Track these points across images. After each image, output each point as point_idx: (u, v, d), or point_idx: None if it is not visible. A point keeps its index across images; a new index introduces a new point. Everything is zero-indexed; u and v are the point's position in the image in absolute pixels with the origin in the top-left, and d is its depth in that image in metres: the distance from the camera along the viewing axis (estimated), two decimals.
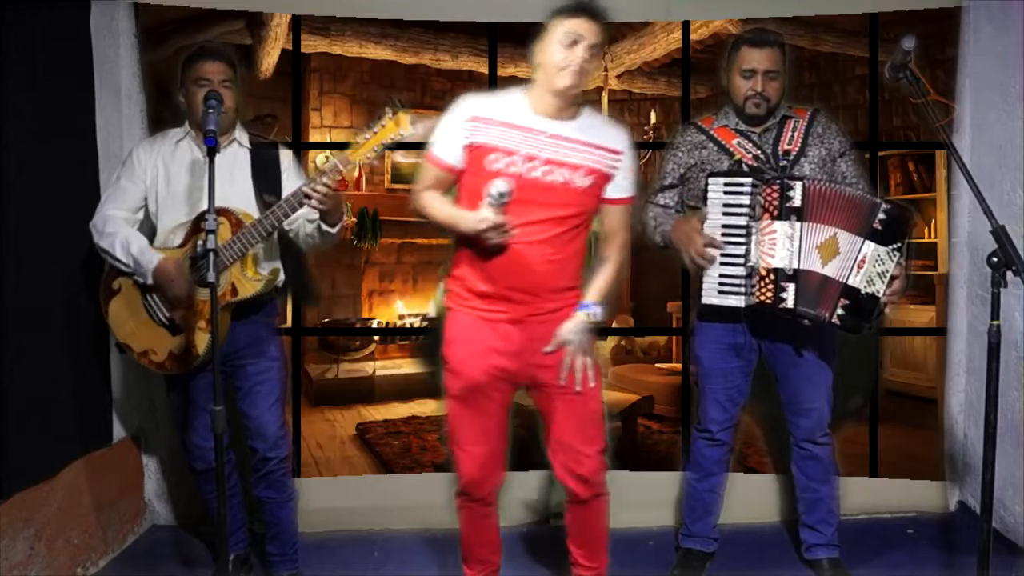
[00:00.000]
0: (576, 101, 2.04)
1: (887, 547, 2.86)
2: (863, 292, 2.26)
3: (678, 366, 3.14)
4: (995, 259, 1.76)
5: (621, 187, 2.10)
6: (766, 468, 3.11)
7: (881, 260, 2.26)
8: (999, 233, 1.76)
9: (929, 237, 3.29)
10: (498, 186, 1.89)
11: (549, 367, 2.07)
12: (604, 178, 2.07)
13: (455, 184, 2.11)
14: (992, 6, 2.85)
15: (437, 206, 2.09)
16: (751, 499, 3.05)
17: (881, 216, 2.25)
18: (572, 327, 2.04)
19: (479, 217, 1.93)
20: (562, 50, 1.94)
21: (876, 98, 3.10)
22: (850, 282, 2.27)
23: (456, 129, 2.04)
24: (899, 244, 2.26)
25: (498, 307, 2.05)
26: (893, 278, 2.26)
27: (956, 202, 3.04)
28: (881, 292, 2.26)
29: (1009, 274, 1.75)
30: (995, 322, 1.76)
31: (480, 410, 2.10)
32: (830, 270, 2.29)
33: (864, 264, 2.26)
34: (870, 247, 2.26)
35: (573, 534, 2.25)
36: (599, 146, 2.05)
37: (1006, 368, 2.10)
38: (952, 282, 3.07)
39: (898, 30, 2.78)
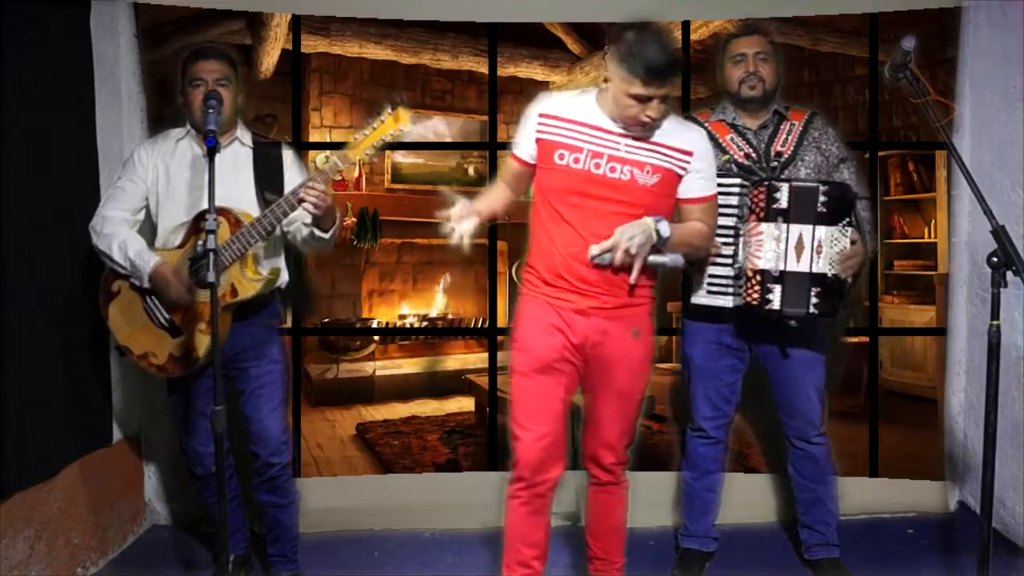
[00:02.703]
0: None
1: (887, 547, 2.86)
2: (829, 276, 2.29)
3: (678, 366, 3.14)
4: (995, 259, 1.76)
5: (694, 187, 2.12)
6: (766, 468, 3.11)
7: (836, 240, 2.29)
8: (999, 233, 1.76)
9: (929, 237, 3.28)
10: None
11: (606, 365, 2.13)
12: (673, 177, 2.09)
13: (531, 180, 2.18)
14: (992, 6, 2.85)
15: (484, 194, 2.24)
16: (751, 499, 3.05)
17: (822, 198, 2.28)
18: (633, 223, 2.01)
19: (456, 210, 2.06)
20: (632, 104, 1.99)
21: (876, 98, 3.10)
22: (815, 270, 2.29)
23: (529, 125, 2.13)
24: (848, 219, 2.29)
25: (565, 296, 2.09)
26: (852, 243, 2.29)
27: (956, 202, 3.04)
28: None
29: (1009, 274, 1.75)
30: (995, 322, 1.76)
31: (547, 388, 2.12)
32: (802, 265, 2.31)
33: (822, 249, 2.29)
34: (822, 231, 2.29)
35: (590, 522, 2.31)
36: (667, 146, 2.07)
37: (1006, 368, 2.10)
38: (952, 282, 3.07)
39: (898, 30, 2.78)
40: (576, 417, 2.33)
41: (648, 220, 2.02)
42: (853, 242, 2.30)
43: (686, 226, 2.13)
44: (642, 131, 2.05)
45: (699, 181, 2.12)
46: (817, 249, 2.28)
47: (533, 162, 2.15)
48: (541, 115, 2.11)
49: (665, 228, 2.03)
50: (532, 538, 2.19)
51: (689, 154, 2.09)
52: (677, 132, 2.11)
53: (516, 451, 2.14)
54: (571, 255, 2.06)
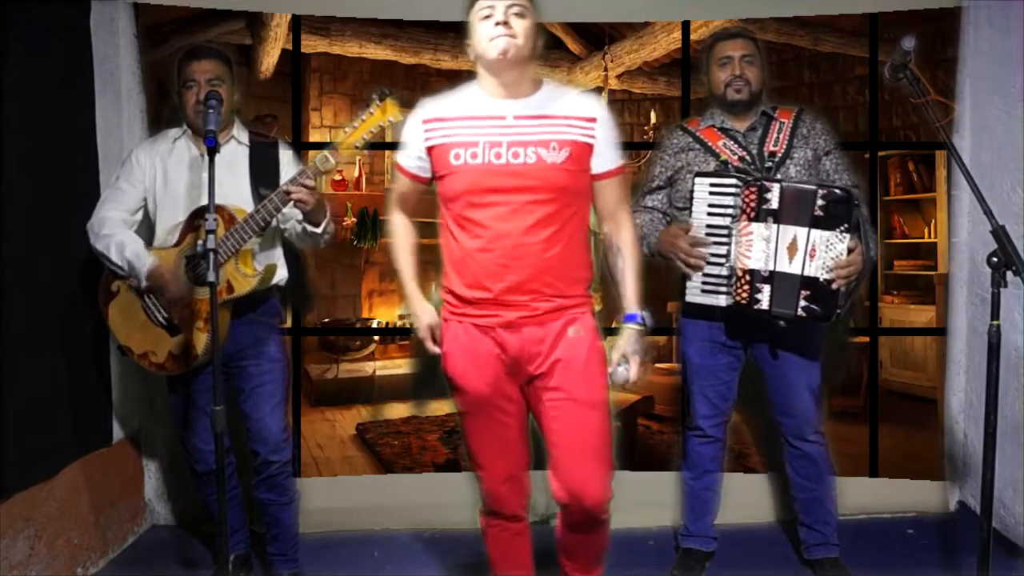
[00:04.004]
0: (529, 74, 1.93)
1: (887, 547, 2.86)
2: (822, 280, 2.27)
3: (678, 366, 3.14)
4: (995, 259, 1.76)
5: (605, 159, 1.95)
6: (765, 468, 3.11)
7: (832, 245, 2.26)
8: (999, 233, 1.76)
9: (929, 237, 3.28)
10: None
11: (548, 371, 1.92)
12: (582, 149, 1.91)
13: (424, 191, 2.05)
14: (992, 6, 2.85)
15: (403, 260, 2.10)
16: (751, 499, 3.05)
17: (820, 202, 2.26)
18: (631, 343, 1.92)
19: (422, 330, 2.03)
20: (482, 25, 1.84)
21: (876, 98, 3.10)
22: (806, 273, 2.27)
23: (414, 135, 1.97)
24: (846, 225, 2.25)
25: (490, 311, 1.91)
26: (850, 251, 2.26)
27: (956, 202, 3.04)
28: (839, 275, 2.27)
29: (1009, 274, 1.75)
30: (995, 322, 1.76)
31: (494, 422, 1.98)
32: (793, 267, 2.29)
33: (816, 253, 2.27)
34: (817, 234, 2.27)
35: (565, 550, 2.09)
36: (567, 116, 1.91)
37: (1006, 368, 2.10)
38: (952, 282, 3.07)
39: (898, 30, 2.78)
40: None
41: (631, 328, 1.94)
42: (851, 250, 2.26)
43: (627, 264, 2.00)
44: (500, 47, 1.82)
45: (608, 151, 1.95)
46: (810, 252, 2.27)
47: (424, 175, 1.99)
48: (425, 121, 1.94)
49: (644, 315, 1.96)
50: (517, 559, 2.13)
51: (592, 121, 1.91)
52: (575, 101, 1.94)
53: (482, 488, 2.06)
54: (490, 259, 1.87)
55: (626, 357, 1.93)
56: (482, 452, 2.02)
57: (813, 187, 2.29)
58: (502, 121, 1.90)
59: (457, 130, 1.91)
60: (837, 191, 2.28)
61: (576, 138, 1.91)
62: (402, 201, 2.09)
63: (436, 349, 2.02)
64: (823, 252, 2.26)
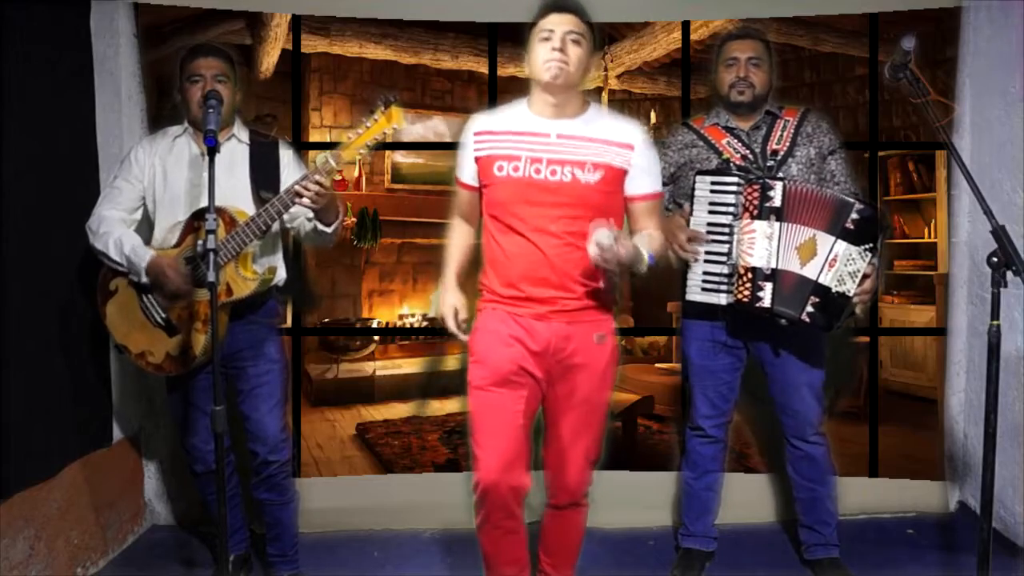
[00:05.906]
0: (576, 96, 2.05)
1: (887, 547, 2.86)
2: (834, 291, 2.27)
3: (678, 366, 3.15)
4: (995, 259, 1.76)
5: (639, 184, 2.07)
6: (766, 468, 3.11)
7: (852, 260, 2.26)
8: (999, 233, 1.76)
9: (929, 237, 3.29)
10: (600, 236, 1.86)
11: (570, 371, 2.06)
12: (616, 173, 2.04)
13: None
14: (992, 6, 2.86)
15: (451, 252, 2.23)
16: (751, 499, 3.05)
17: (854, 216, 2.26)
18: (636, 244, 1.92)
19: (446, 312, 2.13)
20: (541, 47, 1.98)
21: (876, 98, 3.10)
22: (821, 280, 2.27)
23: (466, 147, 2.12)
24: (871, 244, 2.26)
25: (523, 305, 2.04)
26: (865, 276, 2.27)
27: (956, 202, 3.04)
28: (851, 291, 2.27)
29: (1009, 274, 1.75)
30: (995, 322, 1.76)
31: (506, 402, 2.04)
32: (807, 271, 2.29)
33: (835, 263, 2.27)
34: (842, 246, 2.27)
35: (544, 539, 2.25)
36: (605, 140, 2.03)
37: (1006, 368, 2.10)
38: (952, 282, 3.08)
39: (898, 30, 2.78)
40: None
41: (646, 259, 1.98)
42: (866, 276, 2.26)
43: (655, 234, 2.10)
44: (553, 72, 1.94)
45: (644, 177, 2.08)
46: (830, 262, 2.27)
47: (477, 184, 2.13)
48: (476, 134, 2.09)
49: (651, 261, 1.99)
50: (510, 555, 2.14)
51: (629, 147, 2.04)
52: (615, 126, 2.06)
53: (477, 472, 2.05)
54: (525, 264, 2.02)
55: (617, 242, 1.85)
56: (484, 430, 2.05)
57: (851, 199, 2.28)
58: (546, 139, 2.03)
59: (503, 144, 2.06)
60: (872, 209, 2.28)
61: (610, 161, 2.04)
62: (462, 212, 2.23)
63: (457, 331, 2.13)
64: (842, 265, 2.26)
